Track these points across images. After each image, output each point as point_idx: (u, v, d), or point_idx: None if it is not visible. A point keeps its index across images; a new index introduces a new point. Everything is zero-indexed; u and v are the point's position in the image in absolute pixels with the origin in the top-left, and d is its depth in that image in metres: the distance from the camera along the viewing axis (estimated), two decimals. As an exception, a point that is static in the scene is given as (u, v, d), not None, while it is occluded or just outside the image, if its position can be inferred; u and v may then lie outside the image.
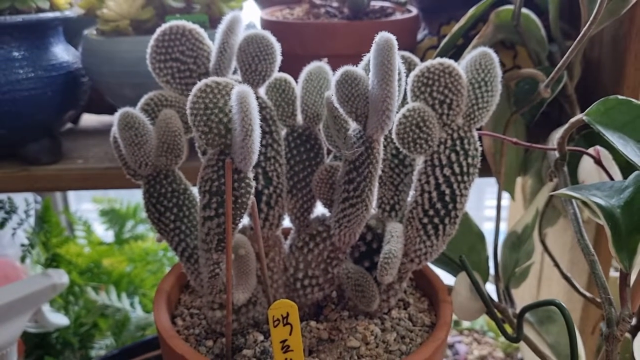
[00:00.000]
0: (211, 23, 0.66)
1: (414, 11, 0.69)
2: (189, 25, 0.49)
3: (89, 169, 0.70)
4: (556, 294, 0.86)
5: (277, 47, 0.48)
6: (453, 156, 0.49)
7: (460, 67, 0.49)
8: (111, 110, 0.84)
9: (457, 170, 0.49)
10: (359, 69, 0.44)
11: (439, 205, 0.50)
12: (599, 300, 0.60)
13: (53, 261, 0.88)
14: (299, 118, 0.52)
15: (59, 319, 0.83)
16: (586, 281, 0.77)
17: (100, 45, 0.65)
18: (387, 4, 0.71)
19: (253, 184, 0.42)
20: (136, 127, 0.46)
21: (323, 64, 0.51)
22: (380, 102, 0.41)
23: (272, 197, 0.50)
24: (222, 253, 0.45)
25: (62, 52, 0.69)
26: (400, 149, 0.50)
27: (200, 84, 0.41)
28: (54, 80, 0.66)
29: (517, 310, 0.61)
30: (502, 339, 0.93)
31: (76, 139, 0.79)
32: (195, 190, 0.49)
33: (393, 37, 0.40)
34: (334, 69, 0.55)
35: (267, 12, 0.73)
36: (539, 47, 0.65)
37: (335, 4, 0.70)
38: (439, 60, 0.47)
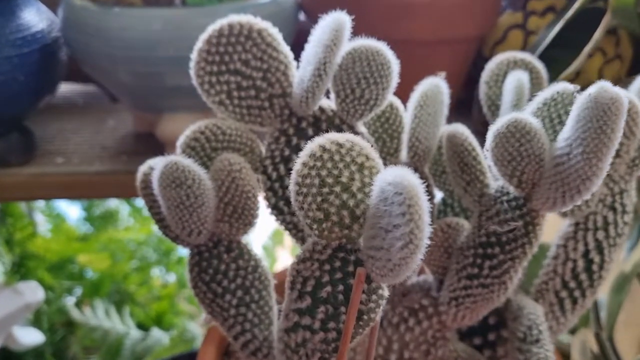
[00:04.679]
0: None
1: (499, -20, 0.54)
2: (258, 23, 0.33)
3: (73, 173, 0.53)
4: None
5: (396, 67, 0.33)
6: (610, 216, 0.37)
7: (631, 94, 0.36)
8: (89, 79, 0.66)
9: (612, 232, 0.38)
10: (531, 118, 0.30)
11: (583, 277, 0.39)
12: None
13: (20, 266, 0.72)
14: (403, 154, 0.38)
15: (33, 337, 0.68)
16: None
17: (91, 18, 0.47)
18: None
19: (386, 294, 0.28)
20: (189, 186, 0.31)
21: (439, 82, 0.37)
22: (579, 179, 0.28)
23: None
24: (321, 371, 0.32)
25: (34, 18, 0.50)
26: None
27: (312, 147, 0.26)
28: (26, 59, 0.48)
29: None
30: None
31: (48, 122, 0.61)
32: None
33: (621, 96, 0.26)
34: (406, 56, 0.41)
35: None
36: (660, 38, 0.52)
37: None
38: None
